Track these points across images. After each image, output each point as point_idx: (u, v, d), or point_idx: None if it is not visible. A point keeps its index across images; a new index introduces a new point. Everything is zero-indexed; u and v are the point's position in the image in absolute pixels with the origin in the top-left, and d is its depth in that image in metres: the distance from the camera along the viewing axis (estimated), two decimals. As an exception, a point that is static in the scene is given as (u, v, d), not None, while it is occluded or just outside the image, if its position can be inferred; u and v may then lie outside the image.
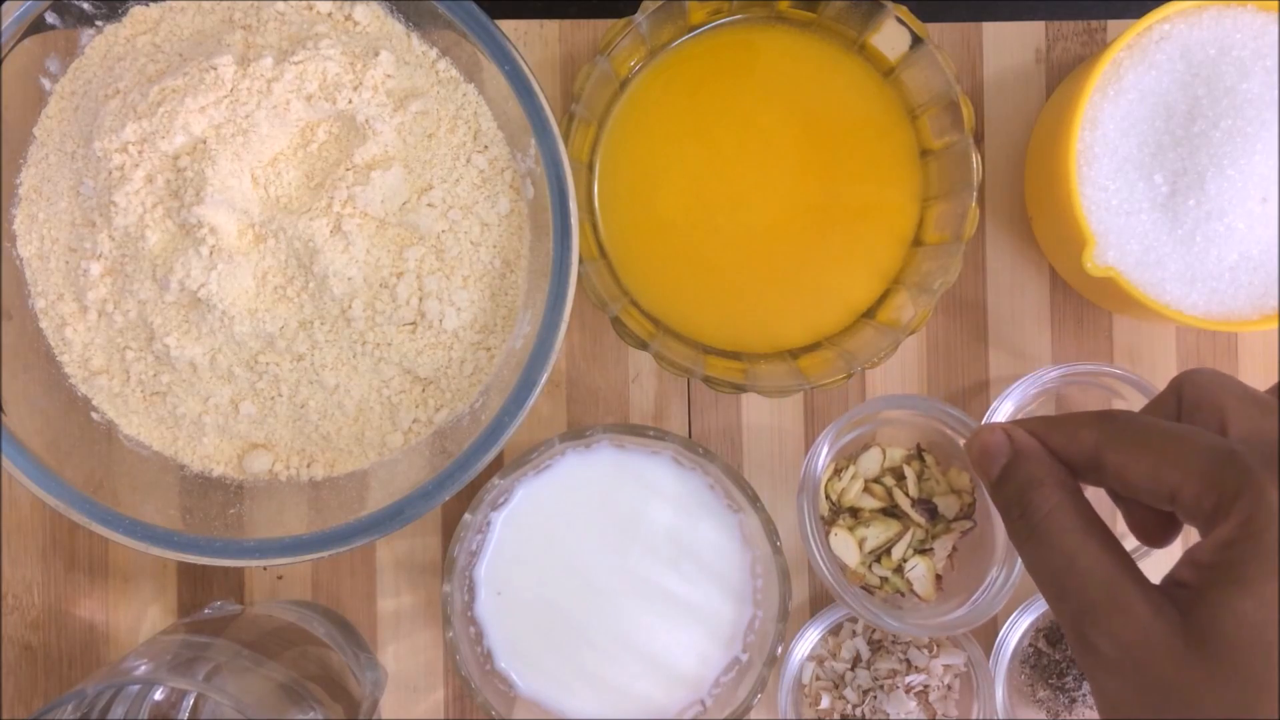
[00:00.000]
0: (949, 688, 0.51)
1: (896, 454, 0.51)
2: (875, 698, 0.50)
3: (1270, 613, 0.30)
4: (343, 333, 0.44)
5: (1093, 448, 0.35)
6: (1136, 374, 0.50)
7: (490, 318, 0.46)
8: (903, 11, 0.47)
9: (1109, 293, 0.48)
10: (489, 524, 0.48)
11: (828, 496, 0.51)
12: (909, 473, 0.50)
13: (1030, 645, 0.53)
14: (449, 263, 0.44)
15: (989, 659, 0.51)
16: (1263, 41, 0.46)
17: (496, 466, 0.48)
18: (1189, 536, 0.35)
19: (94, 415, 0.46)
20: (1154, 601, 0.32)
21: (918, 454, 0.51)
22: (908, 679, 0.50)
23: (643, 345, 0.47)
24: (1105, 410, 0.36)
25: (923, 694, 0.51)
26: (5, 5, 0.42)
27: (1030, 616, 0.51)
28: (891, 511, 0.50)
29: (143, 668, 0.40)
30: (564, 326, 0.42)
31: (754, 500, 0.47)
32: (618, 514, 0.48)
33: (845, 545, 0.50)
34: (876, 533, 0.50)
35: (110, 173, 0.43)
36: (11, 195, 0.45)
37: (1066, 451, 0.36)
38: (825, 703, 0.51)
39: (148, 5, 0.45)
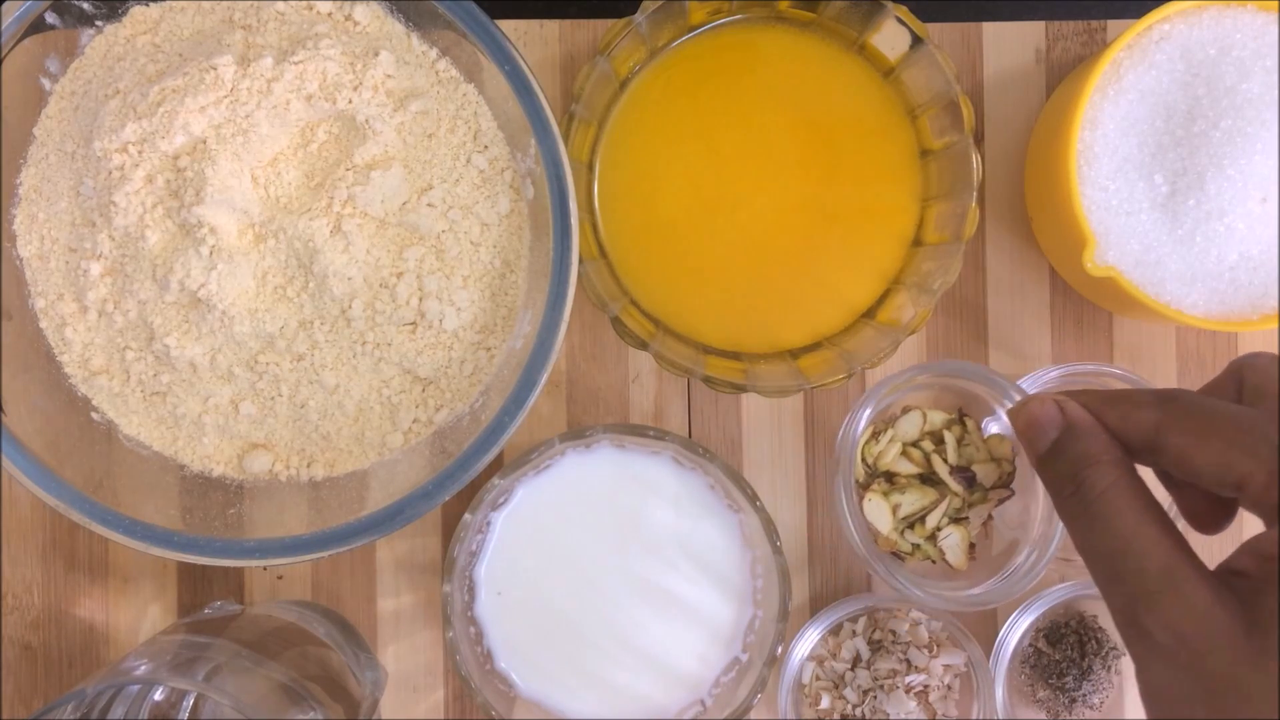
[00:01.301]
0: (949, 688, 0.51)
1: (938, 418, 0.50)
2: (875, 698, 0.50)
3: None
4: (343, 333, 0.44)
5: (1152, 428, 0.33)
6: (1136, 374, 0.50)
7: (490, 318, 0.46)
8: (903, 11, 0.47)
9: (1109, 293, 0.48)
10: (489, 524, 0.48)
11: (864, 460, 0.50)
12: (949, 438, 0.49)
13: (1030, 645, 0.53)
14: (449, 263, 0.44)
15: (989, 659, 0.51)
16: (1263, 41, 0.46)
17: (496, 466, 0.48)
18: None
19: (94, 415, 0.46)
20: (1214, 589, 0.31)
21: (959, 419, 0.50)
22: (908, 679, 0.50)
23: (643, 345, 0.47)
24: (1167, 389, 0.35)
25: (923, 694, 0.51)
26: (5, 5, 0.42)
27: (1030, 616, 0.51)
28: (928, 478, 0.49)
29: (143, 668, 0.40)
30: (564, 326, 0.42)
31: (754, 500, 0.46)
32: (618, 514, 0.48)
33: (879, 511, 0.49)
34: (911, 499, 0.49)
35: (110, 173, 0.43)
36: (11, 195, 0.45)
37: (1122, 430, 0.34)
38: (825, 703, 0.51)
39: (148, 5, 0.45)
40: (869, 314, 0.50)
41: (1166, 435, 0.33)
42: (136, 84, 0.43)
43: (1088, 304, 0.53)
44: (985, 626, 0.52)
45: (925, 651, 0.51)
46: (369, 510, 0.42)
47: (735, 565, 0.49)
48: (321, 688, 0.43)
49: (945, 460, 0.49)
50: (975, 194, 0.47)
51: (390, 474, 0.46)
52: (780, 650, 0.46)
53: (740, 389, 0.47)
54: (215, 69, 0.42)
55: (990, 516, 0.50)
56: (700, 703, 0.48)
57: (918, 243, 0.50)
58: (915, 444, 0.50)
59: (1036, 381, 0.51)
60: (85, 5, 0.44)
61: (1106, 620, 0.53)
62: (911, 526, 0.50)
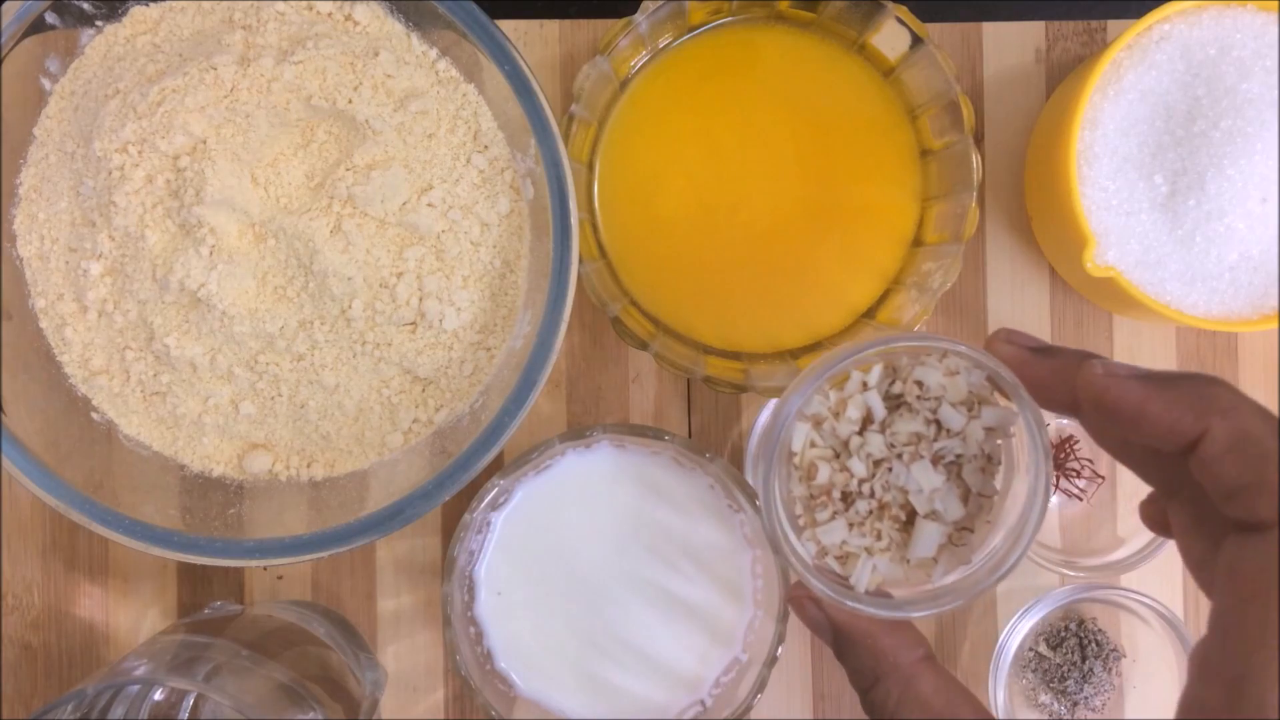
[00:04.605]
0: (989, 458, 0.36)
1: None
2: (891, 470, 0.35)
3: None
4: (343, 333, 0.44)
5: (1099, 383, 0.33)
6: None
7: (490, 318, 0.46)
8: (903, 11, 0.47)
9: (1109, 293, 0.48)
10: (489, 524, 0.48)
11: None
12: None
13: (1031, 650, 0.53)
14: (449, 263, 0.44)
15: (989, 663, 0.51)
16: (1263, 41, 0.46)
17: (496, 466, 0.48)
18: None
19: (94, 415, 0.46)
20: None
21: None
22: (936, 446, 0.35)
23: (643, 345, 0.47)
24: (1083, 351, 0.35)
25: (954, 465, 0.35)
26: (5, 5, 0.42)
27: (1030, 621, 0.51)
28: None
29: (143, 668, 0.40)
30: (564, 326, 0.42)
31: (754, 500, 0.46)
32: (618, 514, 0.48)
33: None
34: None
35: (110, 173, 0.43)
36: (11, 195, 0.45)
37: (1052, 382, 0.34)
38: (823, 476, 0.36)
39: (148, 5, 0.45)
40: (869, 314, 0.50)
41: (1112, 388, 0.33)
42: (136, 84, 0.43)
43: (1088, 304, 0.53)
44: (985, 631, 0.52)
45: (963, 410, 0.35)
46: (369, 510, 0.42)
47: (735, 565, 0.49)
48: (321, 688, 0.43)
49: None
50: (975, 194, 0.47)
51: (390, 474, 0.46)
52: (780, 650, 0.46)
53: (740, 389, 0.47)
54: (215, 69, 0.42)
55: None
56: (700, 703, 0.48)
57: (918, 243, 0.50)
58: None
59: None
60: (85, 5, 0.44)
61: (1106, 623, 0.53)
62: None
